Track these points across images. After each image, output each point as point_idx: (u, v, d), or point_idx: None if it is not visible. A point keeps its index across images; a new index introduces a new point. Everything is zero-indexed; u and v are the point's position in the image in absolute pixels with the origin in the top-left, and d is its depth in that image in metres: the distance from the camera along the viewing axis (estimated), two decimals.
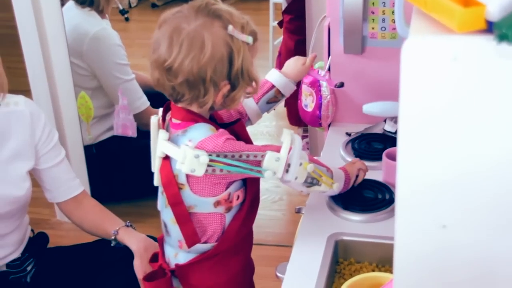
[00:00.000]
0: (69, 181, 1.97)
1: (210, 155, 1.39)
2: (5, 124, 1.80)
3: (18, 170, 1.85)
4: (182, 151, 1.39)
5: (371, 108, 1.71)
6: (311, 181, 1.52)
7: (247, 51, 1.42)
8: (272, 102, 1.76)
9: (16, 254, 1.92)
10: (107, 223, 1.94)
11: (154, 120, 1.53)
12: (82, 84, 2.84)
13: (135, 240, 1.88)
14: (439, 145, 0.84)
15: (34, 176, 1.94)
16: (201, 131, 1.43)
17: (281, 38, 4.55)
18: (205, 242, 1.53)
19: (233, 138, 1.44)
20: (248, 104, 1.71)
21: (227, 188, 1.48)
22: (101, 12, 2.86)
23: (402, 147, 0.88)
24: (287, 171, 1.45)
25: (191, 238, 1.50)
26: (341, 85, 1.93)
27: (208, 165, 1.39)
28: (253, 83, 1.47)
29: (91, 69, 2.84)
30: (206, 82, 1.39)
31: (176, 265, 1.56)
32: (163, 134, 1.46)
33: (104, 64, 2.82)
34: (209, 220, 1.51)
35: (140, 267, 1.83)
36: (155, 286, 1.57)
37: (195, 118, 1.46)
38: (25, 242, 1.97)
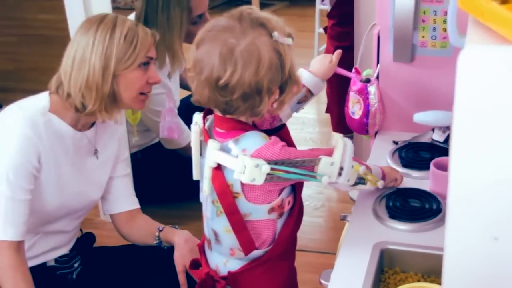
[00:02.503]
0: (129, 195, 2.07)
1: (269, 163, 1.39)
2: (103, 131, 1.94)
3: (103, 176, 1.98)
4: (240, 161, 1.39)
5: (423, 117, 1.69)
6: (358, 181, 1.56)
7: (291, 53, 1.43)
8: (302, 101, 1.79)
9: (65, 250, 1.98)
10: (154, 229, 2.00)
11: (196, 128, 1.55)
12: None
13: (178, 233, 1.96)
14: (494, 156, 0.84)
15: None
16: (255, 140, 1.43)
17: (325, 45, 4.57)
18: (257, 248, 1.53)
19: (286, 145, 1.45)
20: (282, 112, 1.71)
21: (279, 194, 1.49)
22: (157, 65, 2.82)
23: (455, 157, 0.87)
24: (339, 174, 1.47)
25: (247, 245, 1.51)
26: (367, 80, 1.93)
27: (267, 173, 1.39)
28: (297, 83, 1.48)
29: None
30: (263, 92, 1.39)
31: (229, 272, 1.57)
32: (214, 144, 1.45)
33: (144, 110, 2.82)
34: (263, 226, 1.51)
35: (180, 258, 1.89)
36: None
37: (244, 127, 1.46)
38: (74, 240, 2.03)
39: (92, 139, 1.90)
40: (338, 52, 1.85)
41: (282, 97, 1.45)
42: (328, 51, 3.28)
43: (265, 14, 1.43)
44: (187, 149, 2.81)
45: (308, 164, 1.44)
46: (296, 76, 1.46)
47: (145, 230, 2.02)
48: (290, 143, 1.52)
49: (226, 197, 1.46)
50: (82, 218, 2.01)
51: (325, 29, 3.52)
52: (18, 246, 1.72)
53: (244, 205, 1.48)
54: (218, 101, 1.41)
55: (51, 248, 1.94)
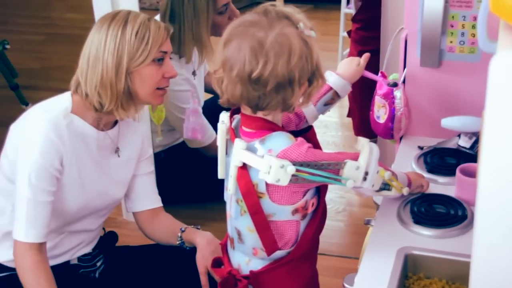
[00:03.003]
0: (152, 193, 2.07)
1: (294, 164, 1.39)
2: (126, 129, 1.93)
3: (126, 175, 1.98)
4: (266, 161, 1.40)
5: (451, 122, 1.68)
6: (383, 187, 1.56)
7: (316, 45, 1.44)
8: (328, 104, 1.78)
9: (88, 249, 1.99)
10: (176, 228, 1.99)
11: (222, 127, 1.55)
12: None
13: (199, 235, 1.94)
14: None
15: None
16: (281, 141, 1.43)
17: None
18: (279, 249, 1.54)
19: (312, 147, 1.45)
20: (307, 106, 1.70)
21: (304, 195, 1.49)
22: (183, 61, 2.82)
23: (485, 164, 0.86)
24: (364, 179, 1.46)
25: (270, 245, 1.51)
26: (394, 84, 1.92)
27: (292, 175, 1.39)
28: (322, 77, 1.48)
29: None
30: (294, 83, 1.40)
31: (251, 271, 1.57)
32: (241, 143, 1.45)
33: (168, 105, 2.83)
34: (286, 227, 1.52)
35: (202, 260, 1.88)
36: None
37: (272, 126, 1.46)
38: (97, 239, 2.04)
39: (115, 138, 1.90)
40: (366, 55, 1.85)
41: (310, 90, 1.46)
42: (352, 55, 3.27)
43: (288, 9, 1.45)
44: (210, 148, 2.83)
45: (333, 167, 1.44)
46: (322, 69, 1.46)
47: (168, 229, 2.02)
48: (316, 145, 1.53)
49: (251, 196, 1.47)
50: (105, 216, 2.02)
51: (348, 33, 3.52)
52: (40, 247, 1.74)
53: (268, 205, 1.48)
54: (251, 96, 1.41)
55: (75, 246, 1.95)
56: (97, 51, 1.73)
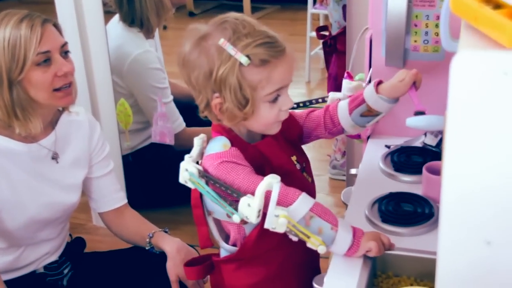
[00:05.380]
0: (114, 192, 2.04)
1: (199, 173, 1.41)
2: (67, 131, 1.87)
3: (75, 178, 1.92)
4: (184, 162, 1.45)
5: (415, 121, 1.68)
6: (295, 234, 1.39)
7: (236, 68, 1.36)
8: (366, 116, 1.67)
9: (54, 257, 1.96)
10: (144, 231, 1.97)
11: None
12: None
13: (169, 241, 1.92)
14: (487, 160, 0.84)
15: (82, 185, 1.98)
16: (213, 146, 1.46)
17: (317, 49, 4.58)
18: (234, 245, 1.56)
19: (234, 162, 1.41)
20: (342, 114, 1.67)
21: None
22: (147, 32, 2.87)
23: (448, 161, 0.87)
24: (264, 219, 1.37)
25: (203, 240, 1.54)
26: (420, 113, 1.71)
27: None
28: (245, 105, 1.39)
29: (129, 89, 2.87)
30: (192, 85, 1.44)
31: (212, 257, 1.62)
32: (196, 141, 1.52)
33: (142, 86, 2.83)
34: (229, 227, 1.55)
35: (172, 268, 1.87)
36: (191, 271, 1.63)
37: (219, 130, 1.48)
38: (63, 246, 2.01)
39: (52, 146, 1.83)
40: (413, 71, 1.65)
41: (226, 107, 1.40)
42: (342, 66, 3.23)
43: (242, 26, 1.39)
44: (177, 138, 2.82)
45: (231, 193, 1.39)
46: (242, 94, 1.38)
47: (135, 230, 2.01)
48: (269, 155, 1.50)
49: (195, 191, 1.49)
50: (65, 223, 1.98)
51: (326, 45, 3.45)
52: None
53: (208, 202, 1.51)
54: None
55: (40, 257, 1.92)
56: None
